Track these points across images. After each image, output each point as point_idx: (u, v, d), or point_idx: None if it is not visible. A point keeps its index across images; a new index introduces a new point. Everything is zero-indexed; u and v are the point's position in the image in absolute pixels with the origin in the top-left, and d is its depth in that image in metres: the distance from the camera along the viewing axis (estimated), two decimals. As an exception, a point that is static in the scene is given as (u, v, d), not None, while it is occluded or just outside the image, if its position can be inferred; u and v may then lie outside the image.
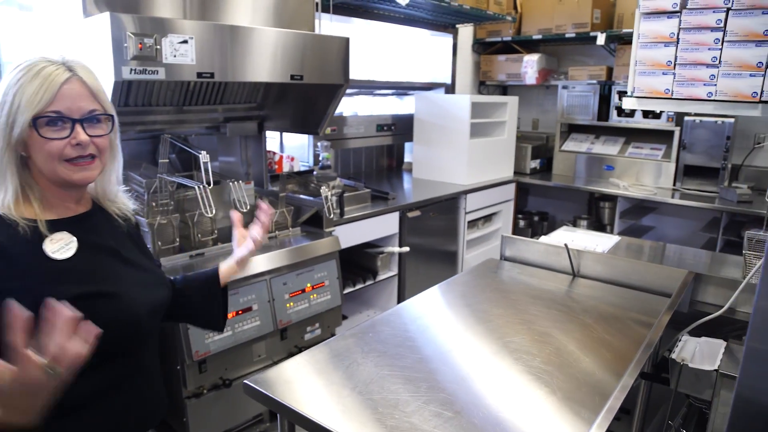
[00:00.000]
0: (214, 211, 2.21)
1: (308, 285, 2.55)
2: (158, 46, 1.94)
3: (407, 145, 4.77)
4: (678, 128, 3.91)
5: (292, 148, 3.60)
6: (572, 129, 4.64)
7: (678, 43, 1.83)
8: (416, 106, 4.14)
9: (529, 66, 4.43)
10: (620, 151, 4.31)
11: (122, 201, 1.21)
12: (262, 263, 2.34)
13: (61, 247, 1.02)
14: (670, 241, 4.18)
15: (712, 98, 1.79)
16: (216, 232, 2.39)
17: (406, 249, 3.31)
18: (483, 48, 4.86)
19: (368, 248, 3.34)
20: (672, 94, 1.86)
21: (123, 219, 1.20)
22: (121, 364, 1.10)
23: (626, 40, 4.16)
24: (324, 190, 2.84)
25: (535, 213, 4.92)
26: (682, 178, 3.94)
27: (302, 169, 3.46)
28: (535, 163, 4.64)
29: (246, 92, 2.76)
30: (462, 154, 3.99)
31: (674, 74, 1.85)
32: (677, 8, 1.79)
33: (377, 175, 4.41)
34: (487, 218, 4.39)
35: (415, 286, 3.73)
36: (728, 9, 1.73)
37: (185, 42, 2.02)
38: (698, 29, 1.79)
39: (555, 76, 4.58)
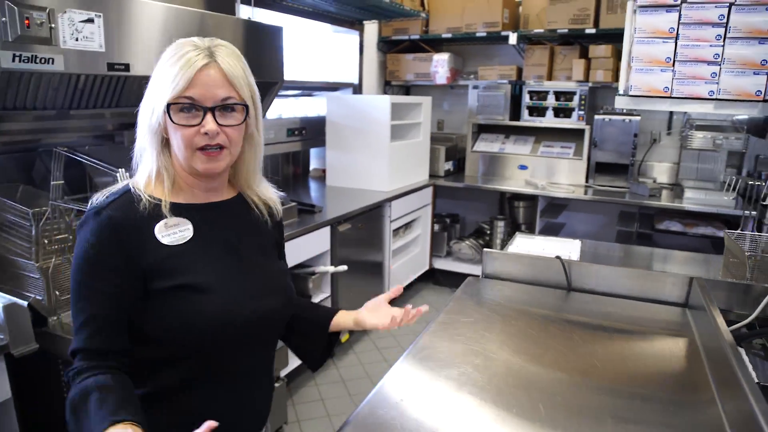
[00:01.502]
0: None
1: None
2: (52, 25, 1.40)
3: (313, 150, 4.40)
4: (588, 127, 4.01)
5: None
6: (481, 129, 4.60)
7: (678, 38, 1.72)
8: (328, 108, 3.78)
9: (440, 65, 4.29)
10: (532, 150, 4.34)
11: (264, 191, 1.14)
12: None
13: (173, 232, 0.99)
14: (583, 237, 4.30)
15: (714, 97, 1.70)
16: None
17: (344, 268, 2.95)
18: (388, 47, 4.64)
19: (297, 269, 2.93)
20: (672, 92, 1.74)
21: (268, 214, 1.14)
22: (215, 365, 1.02)
23: (534, 40, 4.19)
24: None
25: (445, 216, 4.81)
26: (594, 175, 4.05)
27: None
28: (448, 165, 4.52)
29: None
30: (382, 158, 3.72)
31: (674, 71, 1.73)
32: (677, 2, 1.67)
33: (284, 184, 3.97)
34: (408, 225, 4.18)
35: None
36: (731, 4, 1.65)
37: (90, 21, 1.49)
38: (699, 24, 1.69)
39: (464, 76, 4.50)
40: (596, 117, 3.95)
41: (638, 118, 3.83)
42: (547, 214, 4.14)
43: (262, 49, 2.13)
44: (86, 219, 0.96)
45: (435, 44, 4.58)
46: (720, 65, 1.69)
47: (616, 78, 3.87)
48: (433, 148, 4.41)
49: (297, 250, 2.76)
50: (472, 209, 4.93)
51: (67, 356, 0.96)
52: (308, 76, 4.06)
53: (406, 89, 4.96)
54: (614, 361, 1.44)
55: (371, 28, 4.40)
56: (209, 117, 0.95)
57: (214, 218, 1.05)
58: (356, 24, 4.21)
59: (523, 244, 2.44)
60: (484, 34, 4.13)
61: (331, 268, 2.97)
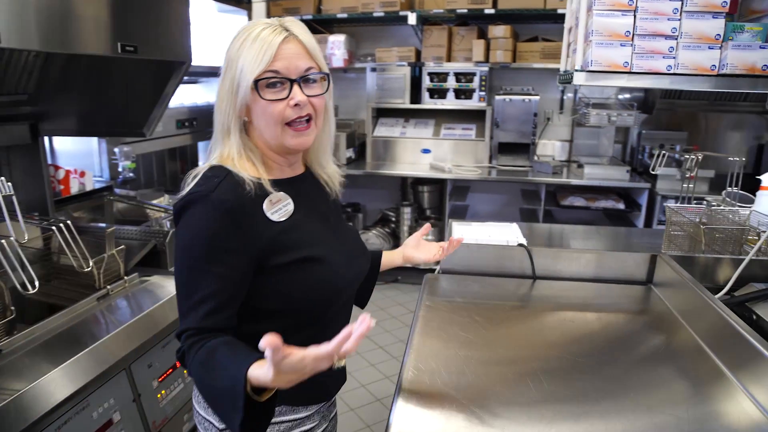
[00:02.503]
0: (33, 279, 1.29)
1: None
2: None
3: (201, 144, 3.91)
4: (490, 107, 4.03)
5: (71, 158, 2.51)
6: (380, 114, 4.44)
7: (636, 11, 1.67)
8: (221, 94, 3.35)
9: (336, 47, 4.04)
10: (434, 133, 4.28)
11: (333, 169, 1.17)
12: (112, 346, 1.48)
13: (278, 208, 1.01)
14: (487, 216, 4.36)
15: (671, 71, 1.68)
16: (12, 311, 1.42)
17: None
18: (278, 26, 4.27)
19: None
20: (632, 67, 1.70)
21: (334, 189, 1.17)
22: (320, 328, 1.06)
23: (431, 21, 4.10)
24: (154, 213, 2.01)
25: (346, 205, 4.61)
26: (497, 155, 4.10)
27: (97, 186, 2.42)
28: (349, 153, 4.31)
29: (9, 76, 1.73)
30: (288, 148, 3.40)
31: (633, 45, 1.69)
32: (637, -28, 1.62)
33: (171, 183, 3.49)
34: (315, 219, 3.91)
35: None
36: (687, -24, 1.62)
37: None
38: (657, -4, 1.65)
39: (361, 59, 4.29)
40: (497, 98, 3.98)
41: (537, 97, 3.93)
42: (453, 197, 4.12)
43: (164, 22, 1.75)
44: (191, 203, 0.95)
45: (327, 25, 4.31)
46: (677, 39, 1.67)
47: (515, 58, 3.93)
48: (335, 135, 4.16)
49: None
50: (373, 197, 4.77)
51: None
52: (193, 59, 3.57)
53: (297, 73, 4.64)
54: (611, 346, 1.35)
55: (259, 7, 4.01)
56: (296, 88, 0.97)
57: (303, 191, 1.09)
58: (243, 3, 3.79)
59: (463, 232, 2.32)
60: (382, 14, 3.95)
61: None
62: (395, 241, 4.34)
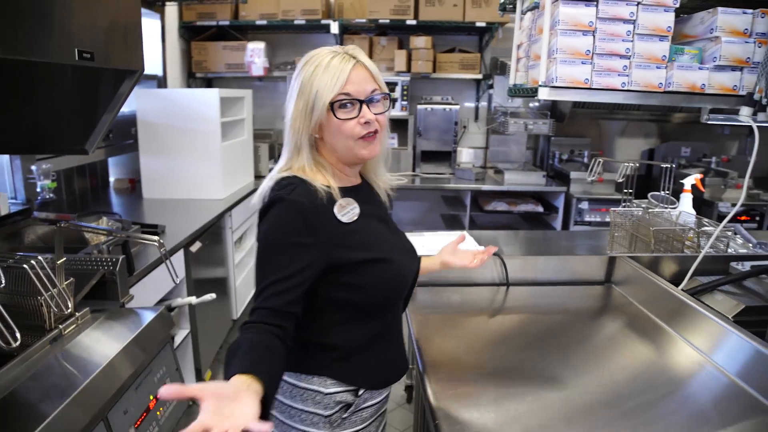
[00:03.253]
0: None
1: (151, 397, 1.59)
2: None
3: (113, 159, 3.57)
4: (412, 116, 4.11)
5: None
6: (300, 123, 4.34)
7: (595, 32, 1.80)
8: (138, 105, 3.09)
9: (256, 55, 3.89)
10: (357, 143, 4.27)
11: (386, 178, 1.30)
12: (87, 397, 1.31)
13: (347, 212, 1.13)
14: (411, 223, 4.44)
15: (625, 88, 1.83)
16: None
17: (212, 296, 2.45)
18: (191, 33, 4.02)
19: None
20: (591, 83, 1.83)
21: (386, 196, 1.30)
22: (386, 321, 1.23)
23: (352, 30, 4.09)
24: (93, 238, 1.82)
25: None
26: (420, 164, 4.18)
27: (13, 210, 2.10)
28: (271, 164, 4.16)
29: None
30: (214, 161, 3.23)
31: (593, 63, 1.81)
32: (596, -4, 1.75)
33: (81, 202, 3.14)
34: (242, 235, 3.72)
35: (209, 341, 2.87)
36: (638, 3, 1.78)
37: None
38: (613, 20, 1.79)
39: (281, 67, 4.17)
40: (419, 107, 4.07)
41: (457, 106, 4.07)
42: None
43: (118, 27, 1.57)
44: (273, 203, 1.08)
45: (244, 32, 4.14)
46: (630, 59, 1.82)
47: (435, 69, 4.04)
48: (254, 146, 4.00)
49: (158, 282, 2.20)
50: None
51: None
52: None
53: (208, 82, 4.40)
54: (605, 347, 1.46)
55: (172, 10, 3.75)
56: (365, 108, 1.12)
57: (364, 197, 1.21)
58: (156, 5, 3.52)
59: (420, 243, 2.35)
60: (303, 22, 3.87)
61: (194, 299, 2.44)
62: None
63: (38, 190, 2.23)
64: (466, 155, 4.50)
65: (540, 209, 3.89)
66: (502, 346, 1.51)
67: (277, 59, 4.25)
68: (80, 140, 1.74)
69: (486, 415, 1.17)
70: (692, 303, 1.53)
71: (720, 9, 1.80)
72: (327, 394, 1.16)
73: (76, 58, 1.36)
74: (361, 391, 1.20)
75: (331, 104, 1.09)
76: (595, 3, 1.77)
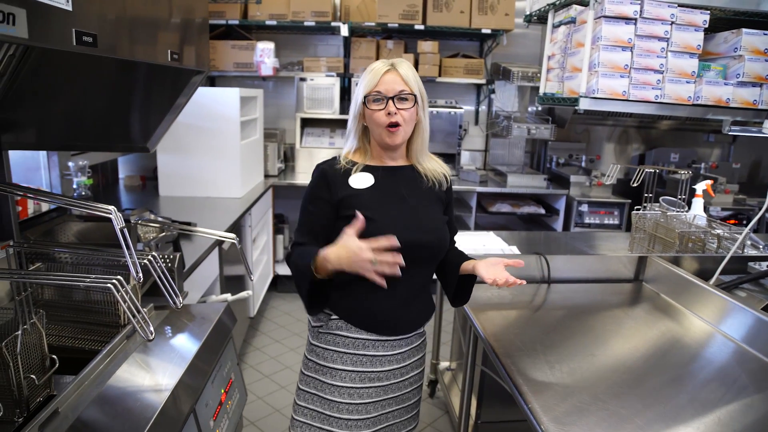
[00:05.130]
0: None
1: (222, 391, 1.64)
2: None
3: (122, 156, 3.55)
4: (418, 120, 4.20)
5: (13, 173, 2.13)
6: (305, 124, 4.39)
7: (633, 48, 1.93)
8: (156, 101, 3.08)
9: (266, 55, 3.92)
10: (362, 144, 4.33)
11: (431, 165, 1.53)
12: (181, 394, 1.36)
13: (360, 181, 1.45)
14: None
15: (658, 100, 1.97)
16: (54, 359, 1.26)
17: (248, 293, 2.50)
18: (199, 29, 4.00)
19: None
20: (629, 96, 1.96)
21: (436, 180, 1.52)
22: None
23: (359, 33, 4.16)
24: (146, 235, 1.87)
25: (277, 215, 4.48)
26: (424, 166, 4.27)
27: (53, 206, 2.10)
28: (279, 163, 4.20)
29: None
30: (233, 160, 3.25)
31: (630, 77, 1.95)
32: (636, 15, 1.88)
33: (96, 199, 3.12)
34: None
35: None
36: (672, 22, 1.92)
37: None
38: (649, 38, 1.93)
39: (289, 68, 4.20)
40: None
41: (462, 110, 4.19)
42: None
43: (191, 28, 1.62)
44: (314, 170, 1.49)
45: (249, 31, 4.15)
46: (663, 74, 1.97)
47: (440, 73, 4.15)
48: (264, 145, 4.03)
49: (200, 279, 2.23)
50: (296, 208, 4.68)
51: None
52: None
53: (211, 80, 4.40)
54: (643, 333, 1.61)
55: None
56: (390, 103, 1.38)
57: (391, 176, 1.48)
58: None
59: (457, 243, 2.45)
60: (313, 24, 3.92)
61: (229, 296, 2.48)
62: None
63: (74, 186, 2.23)
64: (465, 158, 4.63)
65: (542, 211, 4.05)
66: (553, 332, 1.64)
67: (282, 59, 4.29)
68: (144, 138, 1.78)
69: (544, 369, 1.34)
70: (726, 296, 1.67)
71: (744, 30, 1.96)
72: None
73: (169, 59, 1.41)
74: (333, 316, 1.50)
75: (365, 98, 1.40)
76: (634, 21, 1.91)
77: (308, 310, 1.48)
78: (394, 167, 1.50)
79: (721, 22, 2.11)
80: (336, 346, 1.51)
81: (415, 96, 1.41)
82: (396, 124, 1.39)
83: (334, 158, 1.50)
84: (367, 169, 1.47)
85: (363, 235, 1.34)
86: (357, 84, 1.47)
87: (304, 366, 1.58)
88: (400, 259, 1.25)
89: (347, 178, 1.45)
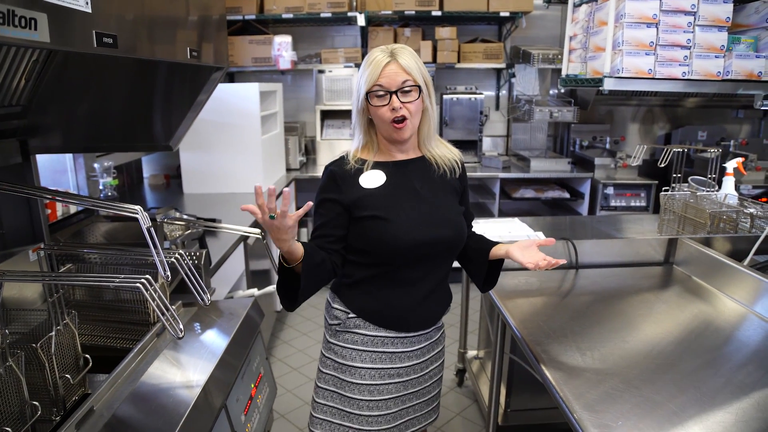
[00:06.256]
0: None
1: (252, 386, 1.66)
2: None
3: (145, 158, 3.61)
4: (438, 107, 4.17)
5: (40, 176, 2.19)
6: (324, 116, 4.38)
7: (659, 24, 1.87)
8: (177, 99, 3.11)
9: (284, 48, 3.92)
10: (382, 134, 4.32)
11: (442, 151, 1.48)
12: (212, 389, 1.37)
13: (370, 180, 1.39)
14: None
15: (686, 77, 1.91)
16: (87, 358, 1.28)
17: (272, 288, 2.52)
18: (216, 25, 4.02)
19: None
20: (655, 74, 1.90)
21: (447, 168, 1.47)
22: (388, 270, 1.43)
23: (376, 22, 4.13)
24: (172, 233, 1.88)
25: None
26: (445, 154, 4.24)
27: (80, 208, 2.14)
28: (301, 156, 4.21)
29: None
30: (255, 155, 3.27)
31: (656, 54, 1.89)
32: (660, -11, 1.82)
33: (122, 199, 3.16)
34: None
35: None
36: (699, -7, 1.85)
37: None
38: (675, 12, 1.87)
39: (307, 60, 4.20)
40: (445, 97, 4.13)
41: (482, 95, 4.14)
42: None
43: (210, 24, 1.62)
44: (323, 172, 1.43)
45: (266, 25, 4.16)
46: (690, 49, 1.90)
47: (459, 59, 4.10)
48: (285, 139, 4.05)
49: (225, 275, 2.26)
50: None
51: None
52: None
53: (230, 76, 4.42)
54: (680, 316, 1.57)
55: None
56: (394, 97, 1.31)
57: (403, 170, 1.43)
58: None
59: (481, 230, 2.43)
60: (330, 15, 3.91)
61: (255, 291, 2.51)
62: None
63: (101, 187, 2.27)
64: (486, 144, 4.58)
65: (566, 195, 3.99)
66: (583, 317, 1.62)
67: (299, 52, 4.29)
68: (167, 137, 1.79)
69: (575, 356, 1.32)
70: (761, 277, 1.62)
71: (776, -1, 1.89)
72: (332, 306, 1.51)
73: (188, 57, 1.41)
74: (351, 315, 1.47)
75: (367, 94, 1.33)
76: (659, -4, 1.85)
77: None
78: (405, 161, 1.44)
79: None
80: (355, 344, 1.48)
81: (419, 86, 1.34)
82: (402, 119, 1.33)
83: (342, 158, 1.44)
84: (377, 165, 1.41)
85: (377, 235, 1.36)
86: (358, 77, 1.36)
87: (322, 364, 1.55)
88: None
89: (357, 178, 1.39)
